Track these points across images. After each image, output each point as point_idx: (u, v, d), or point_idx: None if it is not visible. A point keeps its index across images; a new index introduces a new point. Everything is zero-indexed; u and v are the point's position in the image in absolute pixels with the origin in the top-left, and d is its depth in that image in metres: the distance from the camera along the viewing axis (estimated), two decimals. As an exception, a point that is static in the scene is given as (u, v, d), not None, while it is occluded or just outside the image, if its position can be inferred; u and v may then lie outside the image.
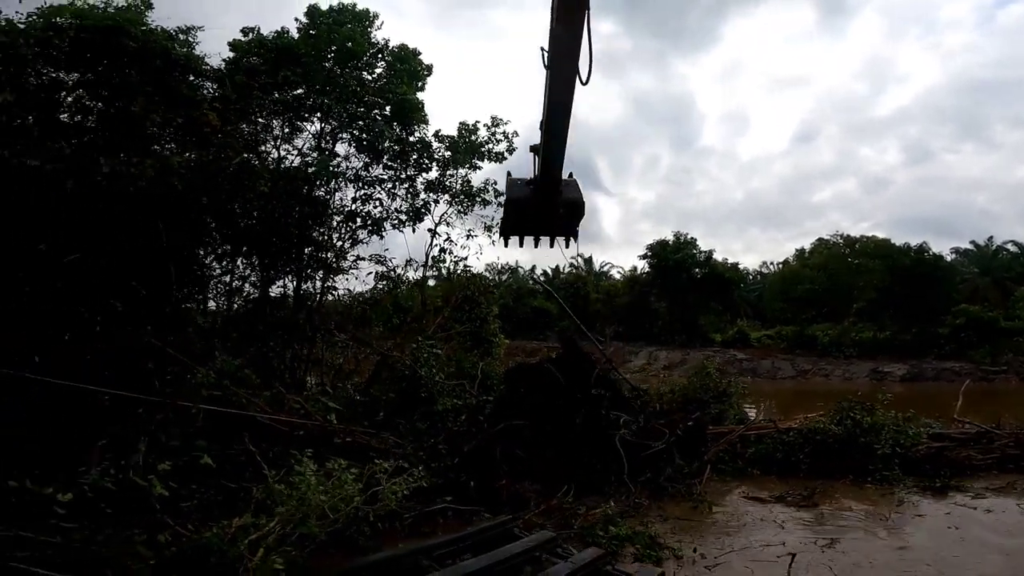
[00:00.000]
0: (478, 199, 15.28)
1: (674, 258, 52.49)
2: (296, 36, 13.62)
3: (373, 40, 14.20)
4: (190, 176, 9.09)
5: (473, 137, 15.18)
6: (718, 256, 54.58)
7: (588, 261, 66.83)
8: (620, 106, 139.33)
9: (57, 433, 7.47)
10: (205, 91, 11.62)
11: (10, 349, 7.14)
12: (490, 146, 15.44)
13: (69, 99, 10.37)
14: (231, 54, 13.11)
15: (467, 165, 15.19)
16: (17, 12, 9.90)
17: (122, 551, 6.30)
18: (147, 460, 7.48)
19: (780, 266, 65.26)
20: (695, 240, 53.97)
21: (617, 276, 64.63)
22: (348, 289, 14.23)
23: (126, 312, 8.22)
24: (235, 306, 12.32)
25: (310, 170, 12.78)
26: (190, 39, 11.62)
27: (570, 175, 7.27)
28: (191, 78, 11.40)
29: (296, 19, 13.86)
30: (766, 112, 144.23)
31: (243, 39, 13.33)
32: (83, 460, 7.51)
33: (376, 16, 14.37)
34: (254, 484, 8.08)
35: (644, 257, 55.43)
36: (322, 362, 13.07)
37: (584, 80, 4.74)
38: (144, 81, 10.10)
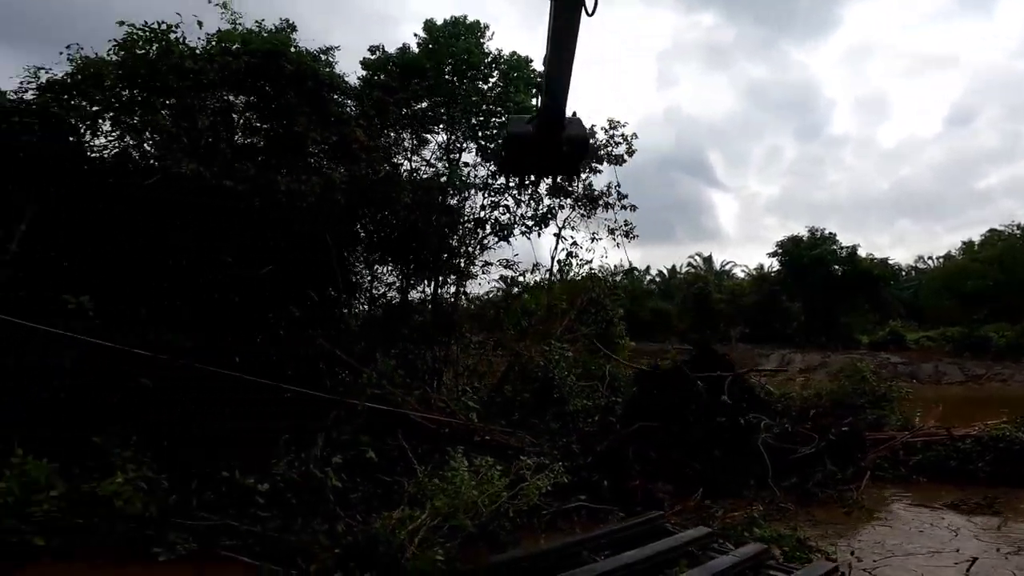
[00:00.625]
0: (600, 203, 15.35)
1: (810, 255, 48.62)
2: (416, 51, 14.47)
3: (486, 51, 14.81)
4: (348, 190, 10.05)
5: (591, 142, 15.28)
6: (862, 252, 49.76)
7: (707, 260, 63.95)
8: (731, 97, 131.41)
9: (251, 426, 8.65)
10: (348, 109, 12.56)
11: (216, 349, 8.39)
12: (609, 148, 15.48)
13: (240, 121, 11.70)
14: (363, 72, 14.20)
15: (585, 169, 15.33)
16: (199, 38, 11.25)
17: (309, 540, 7.18)
18: (322, 453, 8.42)
19: (941, 261, 58.43)
20: (834, 235, 49.63)
21: (741, 275, 61.17)
22: (478, 293, 14.93)
23: (302, 317, 9.34)
24: (378, 310, 13.30)
25: (442, 179, 13.59)
26: (330, 59, 12.61)
27: (573, 113, 6.99)
28: (335, 96, 12.36)
29: (415, 34, 14.74)
30: (909, 96, 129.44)
31: (371, 57, 14.42)
32: (271, 452, 8.61)
33: (487, 27, 14.98)
34: (405, 478, 8.87)
35: (774, 254, 51.94)
36: (456, 363, 13.81)
37: (590, 12, 4.43)
38: (301, 102, 11.13)
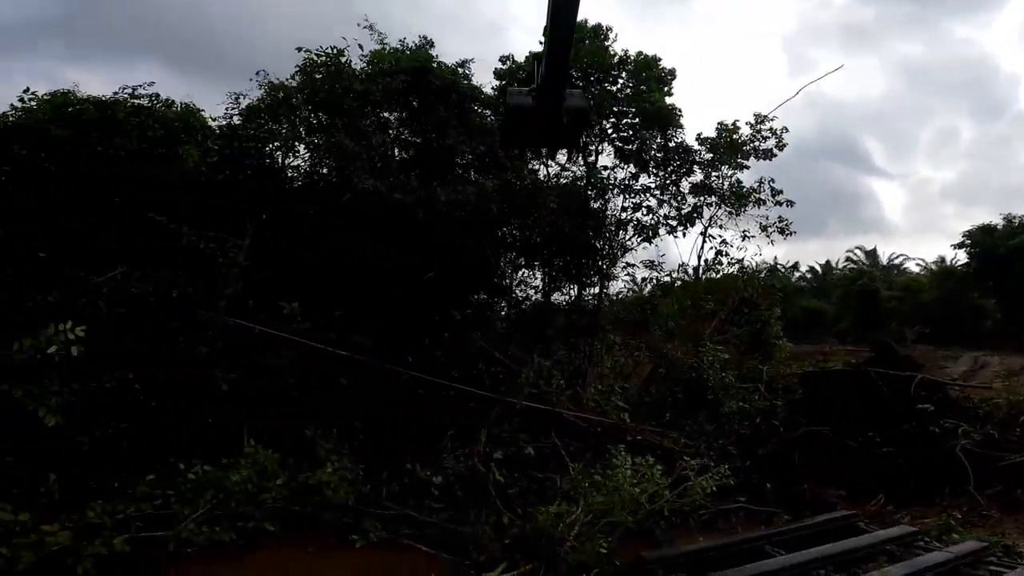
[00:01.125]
0: (751, 199, 14.64)
1: (1007, 244, 41.49)
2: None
3: (611, 52, 14.75)
4: (499, 199, 10.67)
5: (735, 136, 14.67)
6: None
7: (871, 254, 57.16)
8: (884, 80, 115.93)
9: (423, 422, 9.50)
10: (489, 119, 12.98)
11: (392, 350, 9.36)
12: (756, 144, 14.76)
13: (395, 135, 12.53)
14: (496, 81, 14.51)
15: (732, 165, 14.72)
16: (361, 57, 12.20)
17: (477, 531, 7.74)
18: (484, 449, 9.00)
19: None
20: (1035, 221, 41.85)
21: (916, 269, 53.88)
22: (622, 294, 14.92)
23: (462, 320, 10.12)
24: (523, 312, 13.79)
25: (578, 183, 13.82)
26: (467, 71, 13.12)
27: (574, 85, 7.09)
28: (476, 107, 12.96)
29: (540, 41, 14.97)
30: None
31: (502, 67, 14.88)
32: (439, 447, 9.36)
33: (610, 29, 14.87)
34: (557, 475, 9.19)
35: (960, 246, 45.07)
36: (600, 363, 13.92)
37: None
38: (449, 115, 11.86)
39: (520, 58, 14.75)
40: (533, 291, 13.65)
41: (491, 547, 7.38)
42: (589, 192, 13.61)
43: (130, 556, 6.28)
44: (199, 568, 6.55)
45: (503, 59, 14.89)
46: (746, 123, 14.75)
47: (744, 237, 14.70)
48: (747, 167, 14.84)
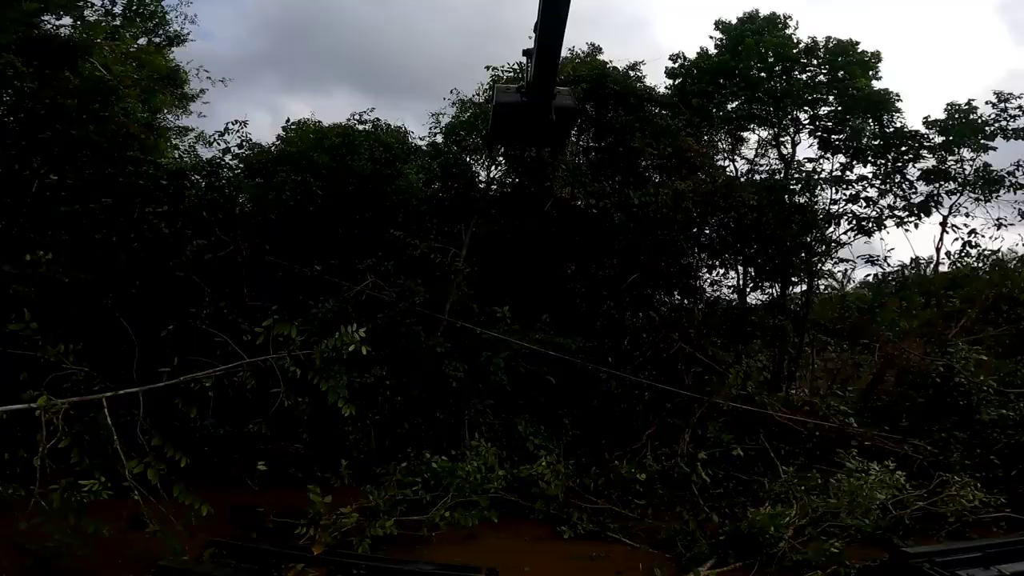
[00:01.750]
0: (1005, 184, 12.50)
1: None
2: (713, 52, 14.03)
3: (795, 40, 13.66)
4: (692, 198, 10.64)
5: (972, 116, 12.71)
6: None
7: None
8: None
9: (621, 419, 9.80)
10: (670, 120, 12.68)
11: (595, 350, 9.84)
12: (1001, 123, 12.62)
13: (578, 142, 12.80)
14: (668, 81, 14.19)
15: (973, 147, 12.73)
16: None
17: (680, 528, 7.81)
18: (686, 449, 8.96)
19: None
20: None
21: None
22: (833, 290, 13.61)
23: (659, 321, 10.25)
24: (717, 312, 13.22)
25: (776, 176, 13.01)
26: (638, 73, 13.11)
27: (562, 84, 6.86)
28: (655, 108, 12.82)
29: (710, 36, 14.30)
30: None
31: (673, 65, 14.42)
32: (637, 444, 9.53)
33: (788, 17, 13.81)
34: (765, 477, 8.79)
35: None
36: (810, 365, 12.85)
37: None
38: (631, 118, 11.98)
39: (692, 53, 14.42)
40: (729, 290, 13.12)
41: (699, 543, 7.43)
42: (791, 186, 12.79)
43: (395, 537, 7.31)
44: (440, 550, 7.34)
45: (673, 57, 14.58)
46: (986, 102, 12.74)
47: (999, 226, 12.53)
48: (993, 148, 12.70)
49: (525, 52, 6.70)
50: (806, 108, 13.40)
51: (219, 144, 11.82)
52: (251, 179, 11.86)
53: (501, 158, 11.91)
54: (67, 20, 12.56)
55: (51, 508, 5.68)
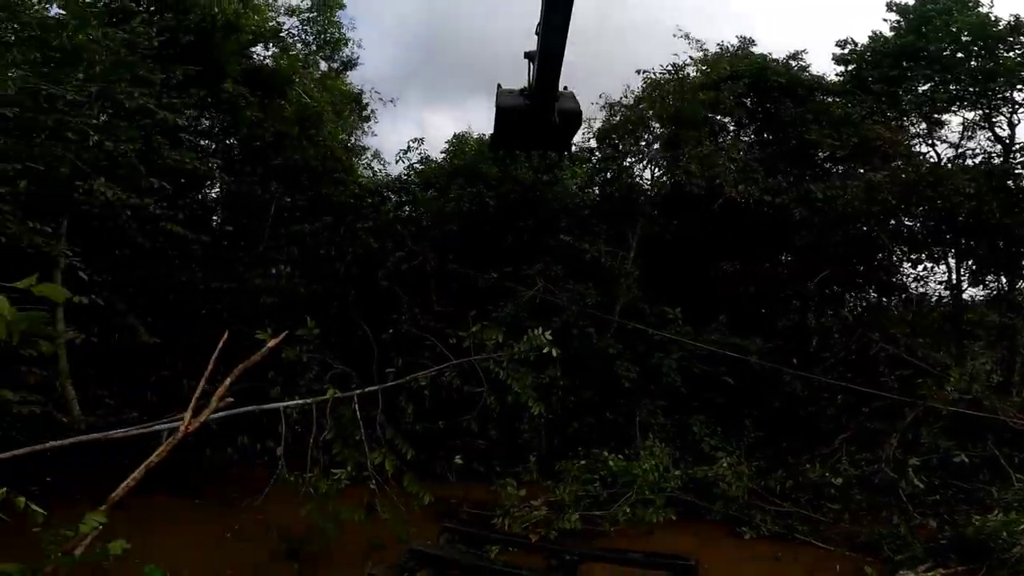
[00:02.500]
0: None
1: None
2: (890, 34, 12.76)
3: (992, 18, 11.79)
4: (892, 188, 9.79)
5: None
6: None
7: None
8: None
9: (808, 422, 9.39)
10: (847, 108, 11.87)
11: (778, 352, 9.51)
12: None
13: (743, 136, 12.65)
14: (838, 67, 13.15)
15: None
16: (689, 59, 12.55)
17: (887, 532, 7.42)
18: (894, 454, 8.37)
19: None
20: None
21: None
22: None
23: (854, 320, 9.61)
24: (924, 309, 12.01)
25: (994, 160, 11.43)
26: (800, 63, 12.41)
27: (564, 88, 6.55)
28: (827, 97, 12.05)
29: (884, 19, 13.04)
30: None
31: (842, 51, 13.27)
32: (828, 448, 9.09)
33: None
34: (992, 485, 8.05)
35: None
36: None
37: None
38: (802, 110, 11.38)
39: (861, 38, 13.23)
40: (940, 286, 11.83)
41: (913, 547, 7.17)
42: (1016, 170, 11.21)
43: (576, 531, 7.73)
44: (620, 545, 7.54)
45: (840, 43, 13.46)
46: None
47: None
48: None
49: (527, 55, 6.52)
50: (1020, 87, 11.74)
51: (404, 161, 13.09)
52: (425, 192, 13.02)
53: (663, 159, 11.85)
54: (263, 50, 14.56)
55: (316, 495, 6.74)
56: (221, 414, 5.13)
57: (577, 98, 6.72)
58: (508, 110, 6.61)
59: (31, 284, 3.02)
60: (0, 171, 6.02)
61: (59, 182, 7.12)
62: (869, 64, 12.88)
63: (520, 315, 10.23)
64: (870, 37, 13.25)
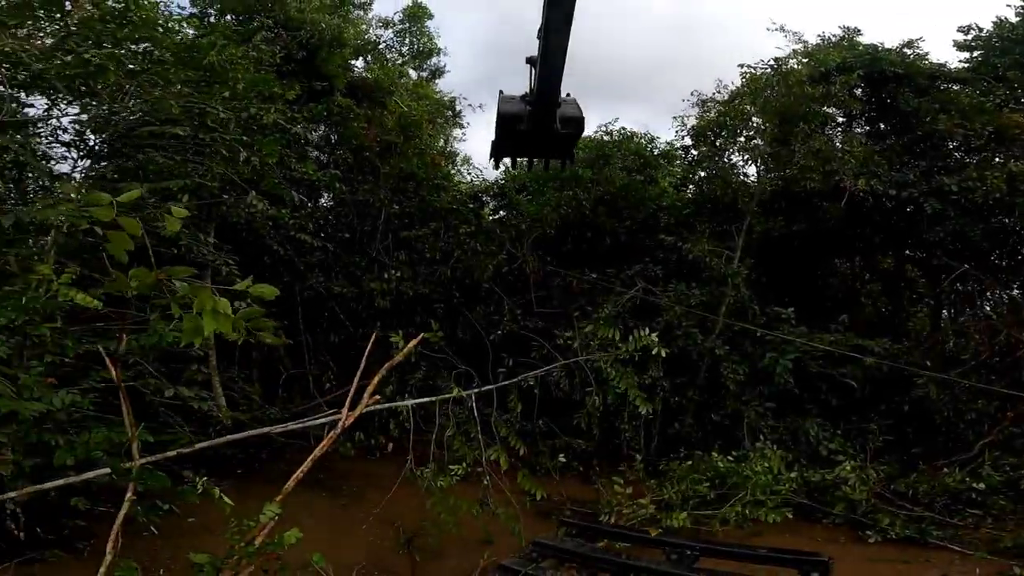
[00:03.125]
0: None
1: None
2: (1015, 20, 11.71)
3: None
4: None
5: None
6: None
7: None
8: None
9: (943, 426, 8.88)
10: (970, 96, 11.10)
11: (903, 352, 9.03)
12: None
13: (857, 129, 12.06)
14: (962, 54, 12.26)
15: None
16: (791, 52, 12.12)
17: None
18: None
19: None
20: None
21: None
22: None
23: (997, 319, 8.96)
24: None
25: None
26: (916, 51, 11.69)
27: (567, 94, 6.31)
28: (952, 87, 11.26)
29: (1009, 4, 11.95)
30: None
31: (965, 38, 12.35)
32: (952, 453, 8.57)
33: None
34: None
35: None
36: None
37: None
38: (923, 100, 10.70)
39: (986, 23, 12.18)
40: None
41: None
42: None
43: (683, 530, 7.60)
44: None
45: (963, 29, 12.50)
46: None
47: None
48: None
49: (529, 60, 6.35)
50: None
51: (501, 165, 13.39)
52: (519, 195, 13.31)
53: (769, 155, 11.48)
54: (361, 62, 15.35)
55: (437, 488, 7.10)
56: (370, 408, 5.64)
57: (579, 104, 6.52)
58: (509, 116, 6.36)
59: (248, 286, 3.46)
60: (169, 187, 6.74)
61: (211, 195, 7.90)
62: (997, 51, 11.91)
63: (621, 316, 10.29)
64: (994, 23, 12.31)
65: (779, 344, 9.44)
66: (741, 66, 12.27)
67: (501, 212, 13.06)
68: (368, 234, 11.47)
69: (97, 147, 6.72)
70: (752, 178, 12.07)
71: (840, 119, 12.47)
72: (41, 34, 6.62)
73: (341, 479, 9.63)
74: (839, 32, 12.91)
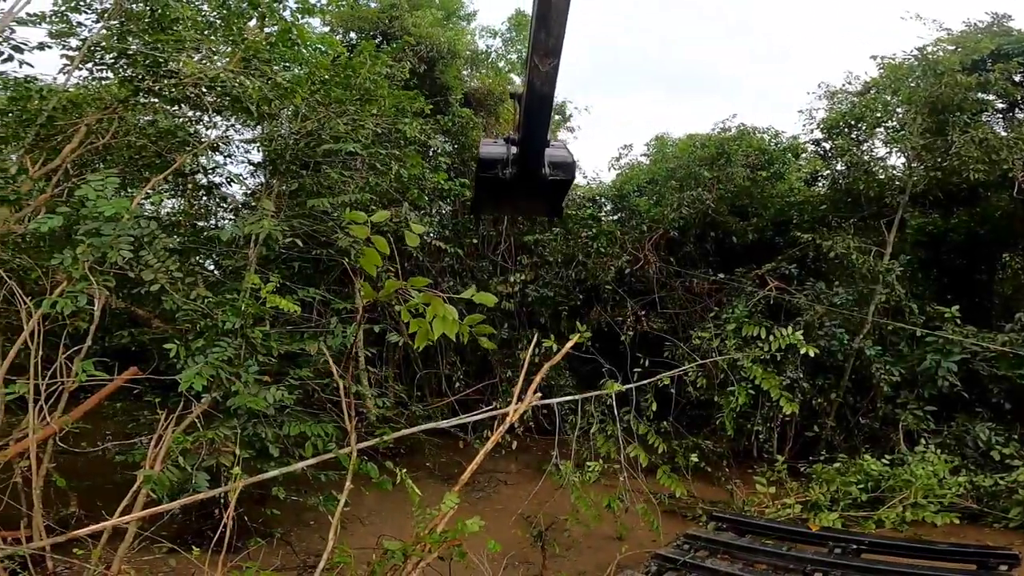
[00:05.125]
0: None
1: None
2: None
3: None
4: None
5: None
6: None
7: None
8: None
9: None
10: None
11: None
12: None
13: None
14: None
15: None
16: (943, 49, 11.00)
17: None
18: None
19: None
20: None
21: None
22: None
23: None
24: None
25: None
26: None
27: (554, 140, 5.61)
28: None
29: None
30: None
31: None
32: None
33: None
34: None
35: None
36: None
37: None
38: None
39: None
40: None
41: None
42: None
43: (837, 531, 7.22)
44: None
45: None
46: None
47: None
48: None
49: (513, 95, 5.86)
50: None
51: (615, 167, 13.52)
52: (638, 196, 13.25)
53: (918, 146, 10.70)
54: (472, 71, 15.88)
55: (578, 483, 7.27)
56: (540, 402, 5.93)
57: (569, 148, 5.81)
58: (491, 161, 5.55)
59: (472, 295, 3.76)
60: (346, 200, 7.34)
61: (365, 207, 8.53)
62: None
63: (754, 315, 10.01)
64: None
65: (941, 345, 8.77)
66: (874, 57, 11.77)
67: (619, 214, 13.07)
68: (492, 239, 11.90)
69: (275, 164, 7.47)
70: (899, 170, 11.34)
71: (1000, 106, 11.47)
72: (215, 57, 7.21)
73: (473, 474, 10.14)
74: (987, 19, 11.85)
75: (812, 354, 7.30)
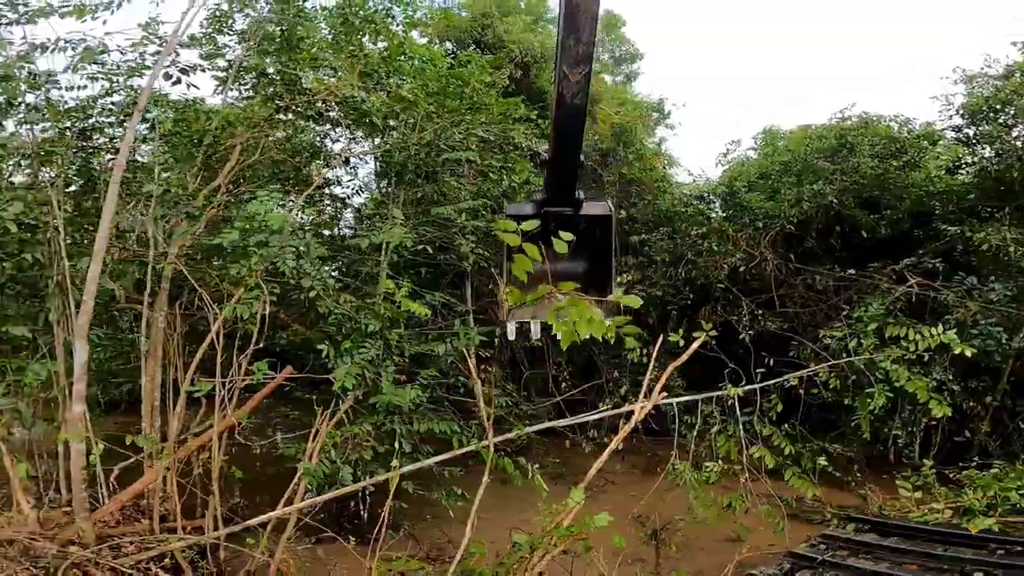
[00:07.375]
0: None
1: None
2: None
3: None
4: None
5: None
6: None
7: None
8: None
9: None
10: None
11: None
12: None
13: None
14: None
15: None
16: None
17: None
18: None
19: None
20: None
21: None
22: None
23: None
24: None
25: None
26: None
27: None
28: None
29: None
30: None
31: None
32: None
33: None
34: None
35: None
36: None
37: None
38: None
39: None
40: None
41: None
42: None
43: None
44: None
45: None
46: None
47: None
48: None
49: (534, 154, 5.37)
50: None
51: (722, 164, 13.03)
52: (749, 192, 12.63)
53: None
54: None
55: (698, 484, 7.04)
56: (666, 401, 5.81)
57: (606, 201, 5.58)
58: (521, 217, 5.21)
59: (618, 298, 3.73)
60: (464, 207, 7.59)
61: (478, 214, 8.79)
62: None
63: (892, 314, 9.25)
64: None
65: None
66: (1014, 44, 10.73)
67: (728, 211, 12.56)
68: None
69: (400, 174, 7.87)
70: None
71: None
72: (339, 73, 7.45)
73: (581, 474, 10.12)
74: None
75: (969, 354, 6.67)
